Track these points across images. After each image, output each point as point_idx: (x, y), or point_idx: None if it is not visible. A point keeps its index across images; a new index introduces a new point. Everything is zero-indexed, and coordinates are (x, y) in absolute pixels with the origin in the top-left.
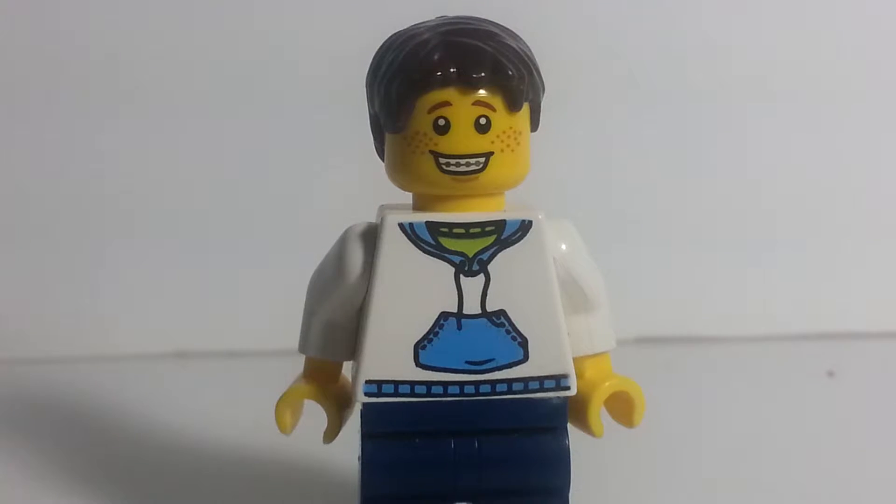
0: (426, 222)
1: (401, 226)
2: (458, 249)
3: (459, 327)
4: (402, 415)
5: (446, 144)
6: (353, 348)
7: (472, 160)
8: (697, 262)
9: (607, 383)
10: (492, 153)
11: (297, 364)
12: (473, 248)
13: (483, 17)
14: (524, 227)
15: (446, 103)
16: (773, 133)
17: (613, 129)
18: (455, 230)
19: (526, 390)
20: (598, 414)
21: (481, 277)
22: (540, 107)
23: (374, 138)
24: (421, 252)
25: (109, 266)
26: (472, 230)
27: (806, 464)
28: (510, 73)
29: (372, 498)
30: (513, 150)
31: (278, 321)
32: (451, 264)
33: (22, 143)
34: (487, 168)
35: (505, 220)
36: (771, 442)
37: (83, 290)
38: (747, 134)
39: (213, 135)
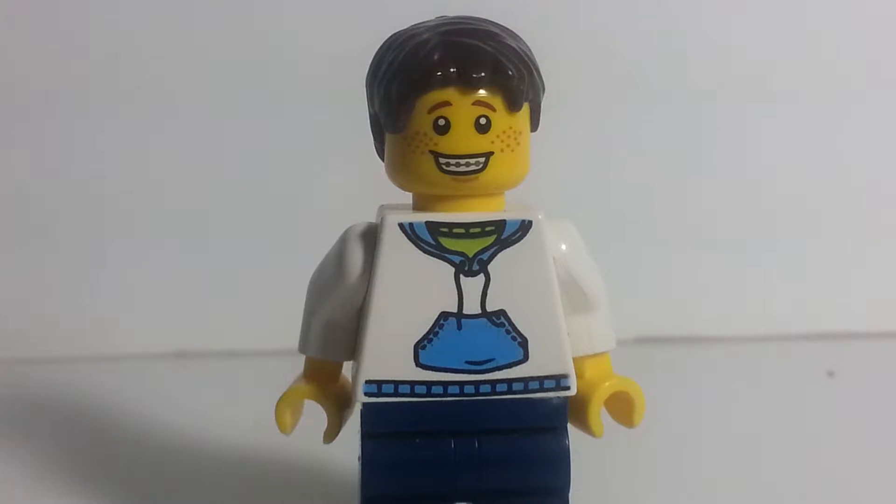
0: (426, 222)
1: (401, 226)
2: (458, 249)
3: (459, 327)
4: (402, 415)
5: (446, 144)
6: (353, 348)
7: (472, 160)
8: (697, 262)
9: (607, 383)
10: (492, 153)
11: (297, 364)
12: (473, 248)
13: (483, 17)
14: (524, 227)
15: (446, 103)
16: (773, 133)
17: (613, 129)
18: (455, 230)
19: (526, 390)
20: (598, 414)
21: (481, 277)
22: (540, 107)
23: (374, 138)
24: (421, 252)
25: (109, 266)
26: (472, 230)
27: (806, 464)
28: (510, 73)
29: (372, 498)
30: (513, 150)
31: (278, 321)
32: (451, 264)
33: (22, 143)
34: (487, 168)
35: (505, 220)
36: (771, 442)
37: (83, 290)
38: (747, 134)
39: (213, 135)
